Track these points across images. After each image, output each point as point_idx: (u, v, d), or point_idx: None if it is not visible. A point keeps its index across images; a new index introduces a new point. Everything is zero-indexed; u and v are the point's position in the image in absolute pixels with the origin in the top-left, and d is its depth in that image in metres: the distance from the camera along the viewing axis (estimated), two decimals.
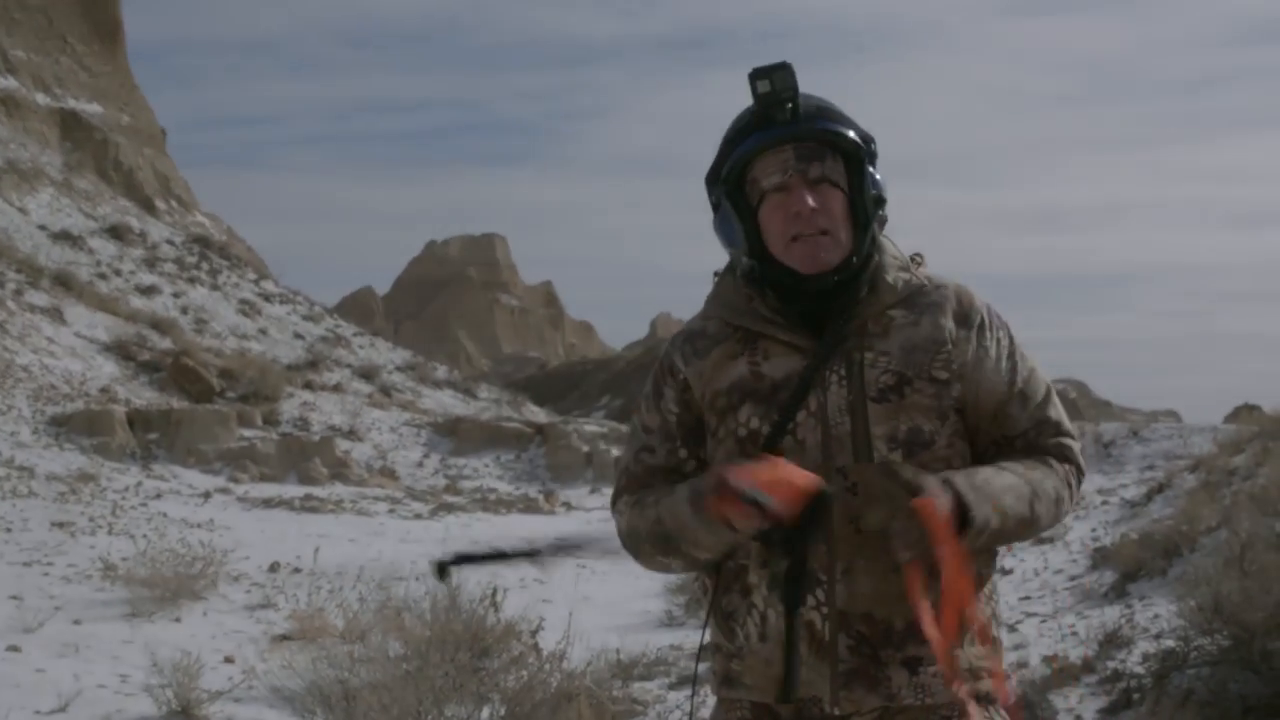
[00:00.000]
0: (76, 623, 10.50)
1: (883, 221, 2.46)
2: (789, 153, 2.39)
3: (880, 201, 2.44)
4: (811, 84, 2.47)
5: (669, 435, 2.49)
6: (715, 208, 2.48)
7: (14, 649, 9.37)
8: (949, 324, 2.41)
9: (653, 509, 2.44)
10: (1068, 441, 2.48)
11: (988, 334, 2.44)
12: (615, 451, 25.85)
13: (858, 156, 2.42)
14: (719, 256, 2.53)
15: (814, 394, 2.37)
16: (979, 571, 2.39)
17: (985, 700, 2.38)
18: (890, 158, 2.50)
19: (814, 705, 2.35)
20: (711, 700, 2.55)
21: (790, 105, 2.38)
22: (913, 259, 2.52)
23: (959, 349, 2.40)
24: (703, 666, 2.56)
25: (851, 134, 2.42)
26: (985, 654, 2.40)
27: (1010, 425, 2.43)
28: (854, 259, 2.41)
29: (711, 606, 2.46)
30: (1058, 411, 2.48)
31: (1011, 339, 2.48)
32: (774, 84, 2.37)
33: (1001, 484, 2.33)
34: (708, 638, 2.51)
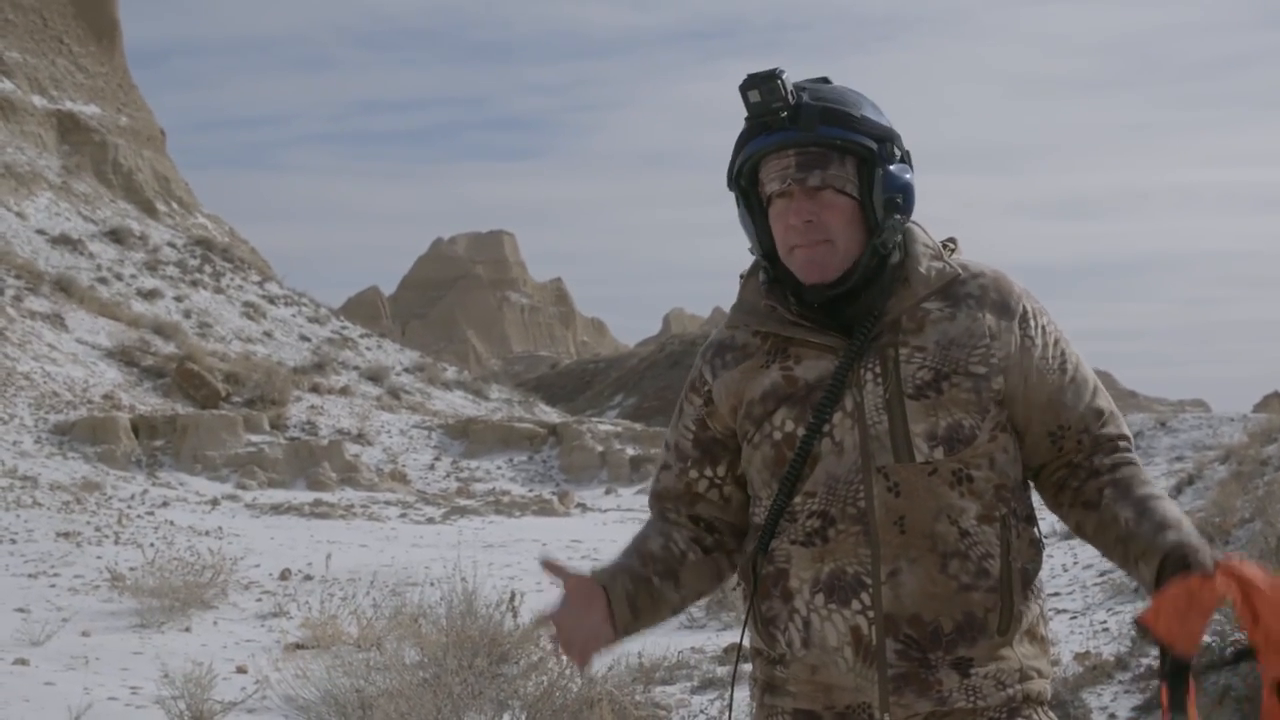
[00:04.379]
0: (85, 634, 10.42)
1: (898, 226, 2.38)
2: (790, 159, 2.34)
3: (892, 205, 2.36)
4: (831, 74, 2.43)
5: (682, 455, 2.50)
6: (738, 203, 2.46)
7: (22, 662, 9.30)
8: (987, 316, 2.36)
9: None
10: (1125, 430, 2.44)
11: (1031, 323, 2.39)
12: (630, 451, 25.71)
13: (869, 160, 2.36)
14: (733, 251, 2.49)
15: (849, 394, 2.33)
16: (1024, 567, 2.35)
17: (1034, 701, 2.35)
18: (915, 146, 2.45)
19: (863, 712, 2.31)
20: (739, 702, 2.46)
21: (784, 114, 2.33)
22: (945, 245, 2.45)
23: (1000, 341, 2.35)
24: (732, 669, 2.48)
25: (858, 138, 2.35)
26: (1034, 653, 2.36)
27: (1065, 415, 2.38)
28: (859, 267, 2.36)
29: (750, 612, 2.43)
30: (1107, 399, 2.43)
31: (1056, 327, 2.43)
32: (763, 95, 2.33)
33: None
34: (746, 643, 2.48)
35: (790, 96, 2.33)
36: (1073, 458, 2.40)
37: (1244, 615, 2.13)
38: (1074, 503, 2.40)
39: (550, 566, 2.41)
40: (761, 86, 2.33)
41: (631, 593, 2.42)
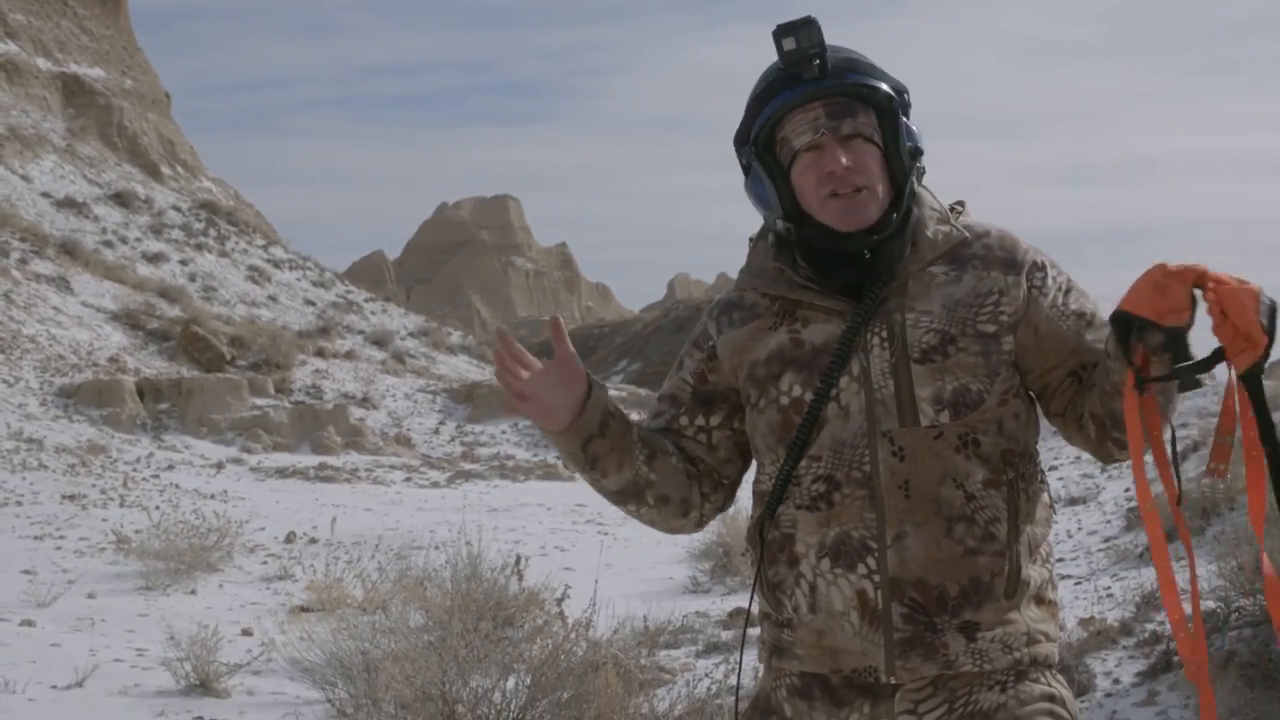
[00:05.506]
0: (90, 596, 10.44)
1: (920, 173, 2.41)
2: (819, 110, 2.33)
3: (916, 153, 2.38)
4: (843, 39, 2.43)
5: (676, 402, 2.49)
6: (746, 170, 2.43)
7: (28, 623, 9.31)
8: (993, 273, 2.35)
9: None
10: None
11: (1039, 274, 2.37)
12: (635, 416, 25.60)
13: (890, 109, 2.36)
14: (738, 217, 2.44)
15: (856, 358, 2.33)
16: (1032, 531, 2.34)
17: (1042, 664, 2.35)
18: (923, 113, 2.44)
19: (869, 675, 2.32)
20: (746, 665, 2.43)
21: (817, 61, 2.33)
22: (953, 208, 2.45)
23: (1009, 296, 2.34)
24: (740, 634, 2.45)
25: (883, 86, 2.36)
26: (1041, 617, 2.35)
27: (1085, 356, 2.34)
28: (894, 215, 2.35)
29: (758, 577, 2.43)
30: None
31: (1068, 278, 2.42)
32: (799, 40, 2.32)
33: None
34: (754, 608, 2.49)
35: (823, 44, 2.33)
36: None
37: (1213, 311, 2.07)
38: (1082, 397, 2.34)
39: (557, 328, 2.38)
40: (798, 32, 2.31)
41: (611, 414, 2.40)
